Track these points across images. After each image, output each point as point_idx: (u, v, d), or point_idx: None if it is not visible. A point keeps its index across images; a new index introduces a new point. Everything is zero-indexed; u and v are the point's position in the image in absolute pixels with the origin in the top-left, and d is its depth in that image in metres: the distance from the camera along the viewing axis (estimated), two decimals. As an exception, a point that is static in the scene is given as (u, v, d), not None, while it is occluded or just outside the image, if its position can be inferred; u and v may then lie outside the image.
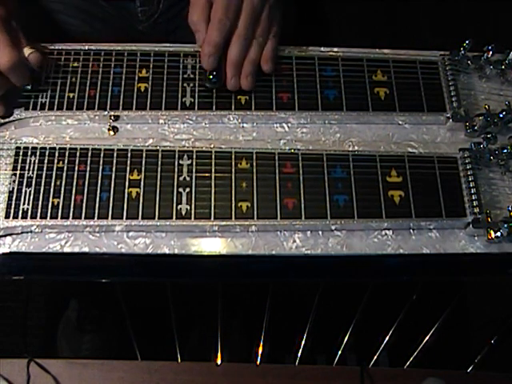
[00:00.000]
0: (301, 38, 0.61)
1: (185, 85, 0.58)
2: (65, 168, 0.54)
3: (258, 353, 0.88)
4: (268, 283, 0.84)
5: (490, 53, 0.61)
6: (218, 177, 0.54)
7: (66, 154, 0.55)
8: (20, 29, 0.55)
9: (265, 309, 0.86)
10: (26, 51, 0.54)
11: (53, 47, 0.59)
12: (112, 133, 0.57)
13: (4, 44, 0.51)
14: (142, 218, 0.52)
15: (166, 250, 0.53)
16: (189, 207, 0.53)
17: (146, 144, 0.56)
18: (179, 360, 0.81)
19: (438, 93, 0.59)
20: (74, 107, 0.57)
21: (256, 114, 0.58)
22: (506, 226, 0.52)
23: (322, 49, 0.61)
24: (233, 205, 0.53)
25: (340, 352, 0.88)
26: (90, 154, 0.54)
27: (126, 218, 0.52)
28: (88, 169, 0.54)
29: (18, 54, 0.52)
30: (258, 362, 0.78)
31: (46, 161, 0.54)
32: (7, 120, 0.57)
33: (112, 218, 0.52)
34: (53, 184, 0.53)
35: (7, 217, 0.52)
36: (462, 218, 0.54)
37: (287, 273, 0.58)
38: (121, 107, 0.57)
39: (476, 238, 0.55)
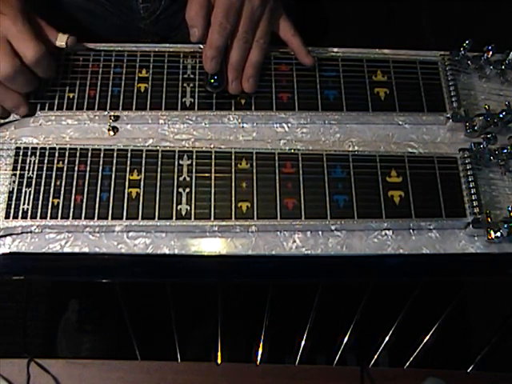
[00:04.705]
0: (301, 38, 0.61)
1: (185, 85, 0.58)
2: (65, 168, 0.54)
3: (258, 353, 0.88)
4: (268, 283, 0.84)
5: (490, 53, 0.61)
6: (217, 177, 0.54)
7: (66, 154, 0.55)
8: (40, 19, 0.55)
9: (265, 309, 0.86)
10: (62, 37, 0.55)
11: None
12: (112, 133, 0.57)
13: (29, 37, 0.51)
14: (142, 219, 0.52)
15: (166, 251, 0.53)
16: (189, 207, 0.53)
17: (146, 144, 0.56)
18: (179, 360, 0.81)
19: (438, 93, 0.59)
20: (74, 107, 0.57)
21: (256, 114, 0.58)
22: (506, 226, 0.52)
23: (322, 49, 0.61)
24: (233, 205, 0.53)
25: (340, 352, 0.88)
26: (89, 154, 0.54)
27: (126, 219, 0.52)
28: (88, 169, 0.54)
29: (44, 47, 0.52)
30: (258, 362, 0.78)
31: (45, 161, 0.54)
32: (7, 120, 0.57)
33: (112, 219, 0.52)
34: (53, 184, 0.53)
35: (7, 217, 0.52)
36: (461, 218, 0.54)
37: (287, 273, 0.58)
38: (121, 107, 0.57)
39: (476, 238, 0.55)
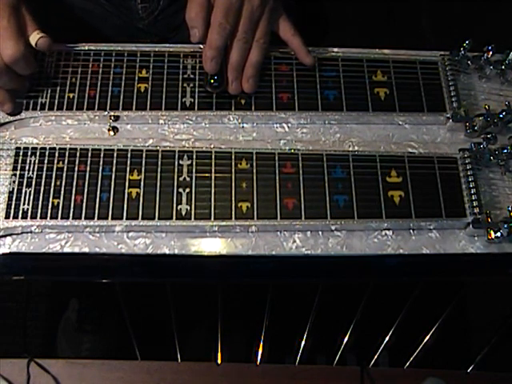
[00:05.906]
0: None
1: (185, 85, 0.58)
2: (65, 168, 0.54)
3: (258, 353, 0.88)
4: (268, 283, 0.84)
5: (490, 53, 0.61)
6: (217, 177, 0.54)
7: (66, 154, 0.55)
8: (29, 13, 0.54)
9: (265, 309, 0.86)
10: (35, 36, 0.53)
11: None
12: (112, 133, 0.57)
13: (9, 36, 0.51)
14: (142, 219, 0.52)
15: (166, 251, 0.53)
16: (189, 207, 0.53)
17: (146, 144, 0.56)
18: (179, 360, 0.81)
19: (438, 93, 0.60)
20: (74, 107, 0.57)
21: (256, 114, 0.58)
22: (505, 226, 0.52)
23: (322, 49, 0.61)
24: (233, 205, 0.53)
25: (340, 352, 0.88)
26: (89, 155, 0.54)
27: (126, 219, 0.52)
28: (88, 169, 0.54)
29: (23, 46, 0.52)
30: (258, 362, 0.78)
31: (45, 161, 0.54)
32: (7, 120, 0.57)
33: (112, 219, 0.52)
34: (53, 184, 0.53)
35: (7, 217, 0.52)
36: (461, 218, 0.54)
37: (287, 273, 0.58)
38: (121, 107, 0.57)
39: (476, 238, 0.55)
